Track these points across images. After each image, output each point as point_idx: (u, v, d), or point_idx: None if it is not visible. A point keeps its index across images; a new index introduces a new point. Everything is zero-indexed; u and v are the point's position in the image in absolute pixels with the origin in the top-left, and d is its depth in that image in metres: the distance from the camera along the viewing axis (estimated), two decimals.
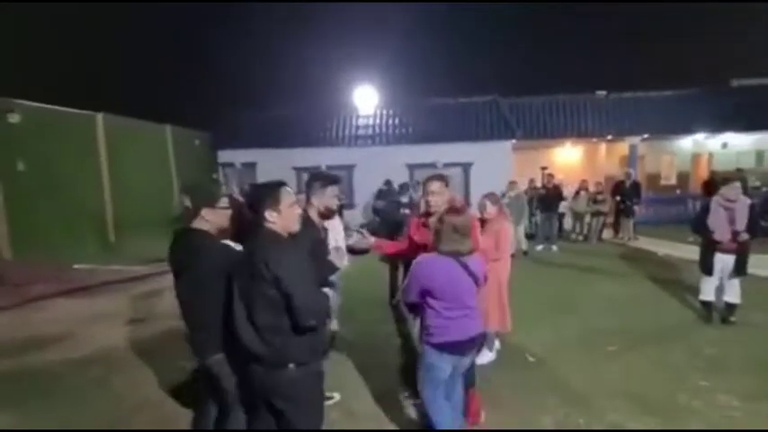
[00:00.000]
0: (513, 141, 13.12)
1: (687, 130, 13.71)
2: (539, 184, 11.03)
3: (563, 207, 10.96)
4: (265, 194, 2.01)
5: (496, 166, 12.73)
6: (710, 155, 15.01)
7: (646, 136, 13.60)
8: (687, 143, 14.89)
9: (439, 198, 2.82)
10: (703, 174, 14.43)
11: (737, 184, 4.53)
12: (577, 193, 10.80)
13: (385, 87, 13.59)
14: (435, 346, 2.32)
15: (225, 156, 14.07)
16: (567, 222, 11.10)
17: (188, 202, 2.26)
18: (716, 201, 4.60)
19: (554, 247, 9.48)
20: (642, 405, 3.15)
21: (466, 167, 13.38)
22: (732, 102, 13.39)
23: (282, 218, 2.00)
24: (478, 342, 2.52)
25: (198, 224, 2.23)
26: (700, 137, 14.25)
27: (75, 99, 9.49)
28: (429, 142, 13.05)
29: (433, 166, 13.20)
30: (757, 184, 13.43)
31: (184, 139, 12.53)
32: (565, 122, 13.80)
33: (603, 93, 14.08)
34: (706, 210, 4.65)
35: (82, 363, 4.19)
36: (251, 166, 13.67)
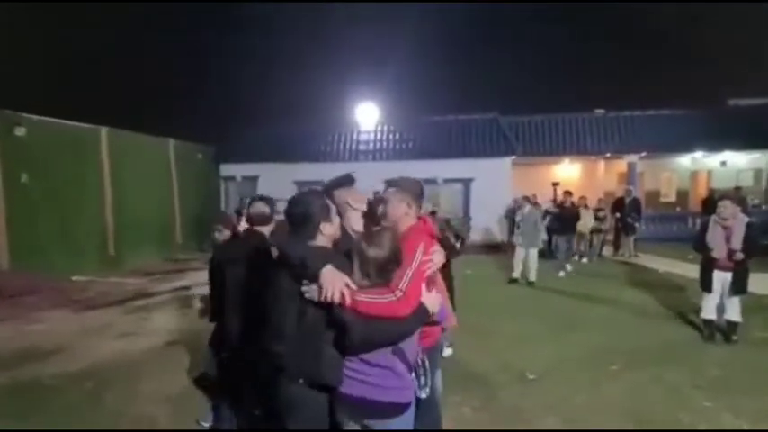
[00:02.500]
0: (513, 158, 13.21)
1: (685, 148, 13.83)
2: (539, 201, 10.99)
3: (553, 223, 10.87)
4: (317, 204, 1.83)
5: (496, 183, 12.82)
6: (709, 172, 15.10)
7: (644, 154, 13.72)
8: (686, 161, 15.00)
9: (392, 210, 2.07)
10: (702, 191, 14.50)
11: (727, 203, 4.57)
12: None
13: (386, 104, 13.77)
14: None
15: (226, 170, 14.16)
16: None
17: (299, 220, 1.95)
18: (714, 219, 4.63)
19: (568, 267, 8.73)
20: (644, 426, 3.10)
21: (466, 183, 13.44)
22: (729, 121, 13.54)
23: (334, 227, 1.88)
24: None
25: (319, 241, 1.86)
26: (698, 155, 14.37)
27: (78, 113, 9.63)
28: (429, 158, 13.14)
29: (433, 182, 13.28)
30: (756, 201, 13.50)
31: (186, 153, 12.63)
32: (564, 140, 13.93)
33: (602, 111, 14.25)
34: (705, 228, 4.67)
35: (78, 376, 4.13)
36: (252, 180, 13.75)
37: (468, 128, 13.85)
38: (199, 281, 8.15)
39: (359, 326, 1.62)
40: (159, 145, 11.67)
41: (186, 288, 7.81)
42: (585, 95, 14.76)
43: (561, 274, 8.42)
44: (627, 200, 10.51)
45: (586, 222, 10.38)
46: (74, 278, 8.34)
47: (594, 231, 10.41)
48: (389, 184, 2.17)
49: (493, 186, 12.79)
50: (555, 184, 11.87)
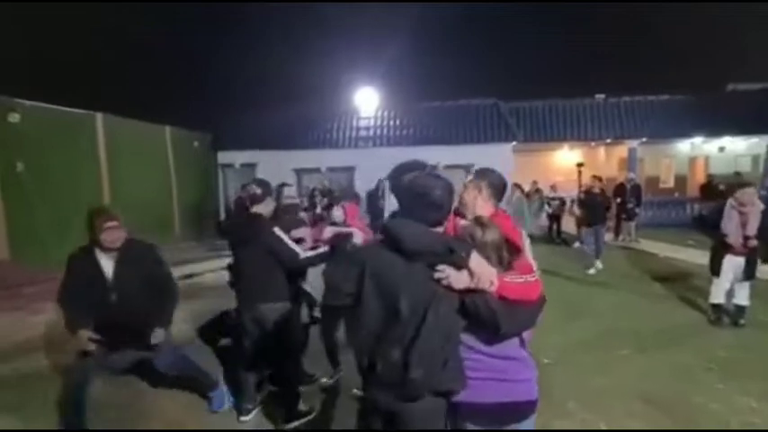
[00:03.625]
0: (514, 144, 13.15)
1: (685, 133, 13.84)
2: (540, 188, 10.98)
3: (557, 209, 10.96)
4: (449, 190, 1.67)
5: (498, 169, 12.75)
6: (707, 158, 15.16)
7: (644, 139, 13.70)
8: (685, 147, 15.02)
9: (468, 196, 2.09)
10: (700, 177, 14.57)
11: (752, 190, 4.55)
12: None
13: (386, 89, 13.58)
14: None
15: (224, 157, 13.97)
16: (567, 225, 11.11)
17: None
18: (731, 204, 4.60)
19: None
20: (660, 408, 3.12)
21: (467, 169, 13.36)
22: (728, 106, 13.54)
23: None
24: None
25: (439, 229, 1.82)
26: (697, 140, 14.39)
27: (73, 98, 9.38)
28: (430, 144, 13.03)
29: (434, 167, 13.20)
30: (763, 192, 13.59)
31: (183, 141, 12.42)
32: (565, 126, 13.88)
33: (602, 96, 14.18)
34: (719, 212, 4.65)
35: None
36: (251, 168, 13.58)
37: (469, 113, 13.75)
38: (205, 268, 8.11)
39: (506, 312, 1.51)
40: (156, 132, 11.45)
41: (190, 276, 7.75)
42: (586, 80, 14.65)
43: (591, 271, 7.41)
44: (628, 186, 10.52)
45: None
46: None
47: None
48: (476, 174, 2.19)
49: None
50: (579, 166, 11.12)
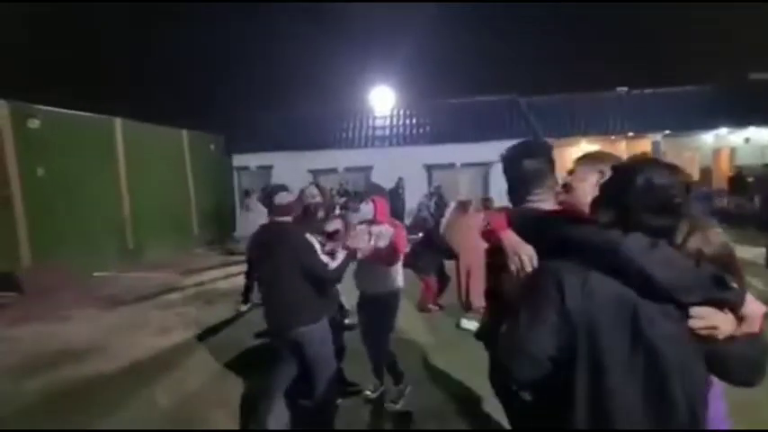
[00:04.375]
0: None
1: (708, 125, 13.44)
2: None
3: None
4: None
5: None
6: (733, 150, 14.70)
7: (667, 132, 13.33)
8: (709, 138, 14.60)
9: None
10: (726, 169, 14.13)
11: None
12: None
13: (401, 87, 13.38)
14: None
15: (240, 160, 13.89)
16: None
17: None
18: None
19: None
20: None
21: (486, 167, 13.12)
22: (753, 96, 13.11)
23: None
24: None
25: None
26: (722, 132, 13.97)
27: (90, 103, 9.33)
28: (447, 142, 12.82)
29: (451, 166, 12.99)
30: None
31: (200, 144, 12.35)
32: (586, 120, 13.55)
33: (624, 89, 13.84)
34: None
35: (117, 376, 3.96)
36: (266, 170, 13.48)
37: (486, 110, 13.49)
38: (225, 273, 7.99)
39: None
40: (173, 136, 11.39)
41: (213, 281, 7.64)
42: (607, 73, 14.31)
43: None
44: None
45: None
46: (95, 274, 8.17)
47: None
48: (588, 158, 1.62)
49: None
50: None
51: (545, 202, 1.60)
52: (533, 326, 1.08)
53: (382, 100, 13.49)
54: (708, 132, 14.15)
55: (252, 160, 13.74)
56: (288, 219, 2.81)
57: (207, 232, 12.07)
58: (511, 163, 1.74)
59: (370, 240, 3.10)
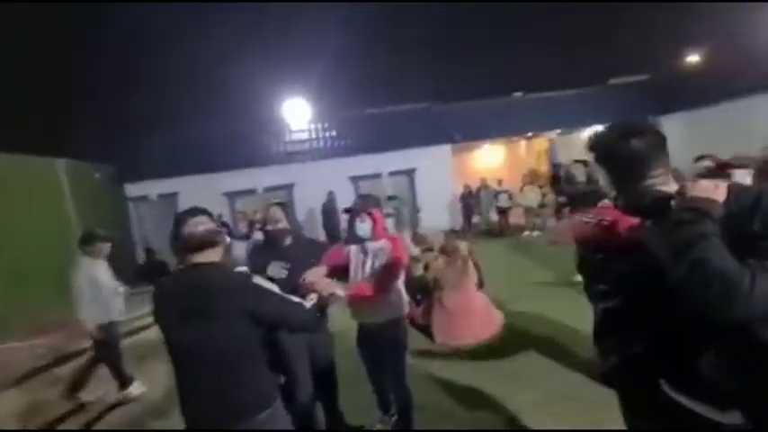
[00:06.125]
0: (451, 145, 13.36)
1: (597, 122, 15.28)
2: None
3: (506, 202, 11.45)
4: None
5: (438, 171, 12.85)
6: None
7: (559, 131, 14.92)
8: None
9: None
10: None
11: None
12: (522, 188, 11.35)
13: (317, 99, 12.77)
14: None
15: (134, 189, 11.93)
16: (516, 217, 11.55)
17: None
18: None
19: None
20: None
21: (410, 174, 13.23)
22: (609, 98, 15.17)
23: None
24: None
25: None
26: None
27: None
28: (370, 152, 12.63)
29: (377, 176, 12.82)
30: None
31: (82, 174, 10.25)
32: (491, 124, 14.43)
33: (520, 94, 15.13)
34: None
35: None
36: (171, 198, 11.77)
37: (404, 118, 13.58)
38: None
39: None
40: (46, 166, 9.25)
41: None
42: (512, 78, 15.54)
43: None
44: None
45: (531, 198, 11.10)
46: None
47: (543, 206, 11.02)
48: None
49: (436, 175, 12.84)
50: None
51: (666, 184, 1.37)
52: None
53: (298, 113, 12.73)
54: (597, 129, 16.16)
55: (151, 188, 11.91)
56: (213, 256, 1.87)
57: None
58: (614, 145, 1.47)
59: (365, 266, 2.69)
